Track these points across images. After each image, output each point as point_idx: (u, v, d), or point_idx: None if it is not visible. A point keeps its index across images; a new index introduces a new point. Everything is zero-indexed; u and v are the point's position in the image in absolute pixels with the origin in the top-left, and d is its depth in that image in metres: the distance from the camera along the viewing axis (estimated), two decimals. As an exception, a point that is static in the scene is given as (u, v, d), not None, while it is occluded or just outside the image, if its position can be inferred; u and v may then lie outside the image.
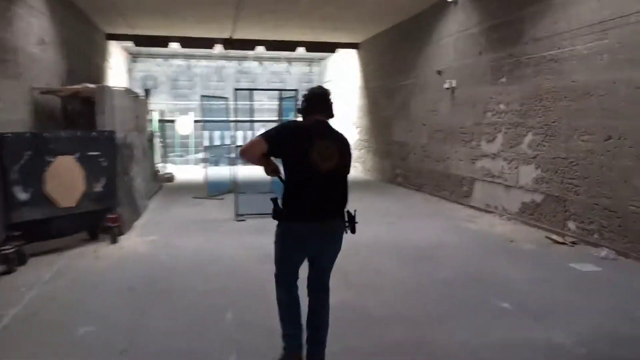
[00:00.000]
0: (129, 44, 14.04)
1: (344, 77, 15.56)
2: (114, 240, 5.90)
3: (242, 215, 7.44)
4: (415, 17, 10.16)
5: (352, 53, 14.45)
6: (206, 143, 11.04)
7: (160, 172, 12.30)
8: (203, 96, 9.72)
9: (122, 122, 7.95)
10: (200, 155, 16.55)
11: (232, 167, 10.42)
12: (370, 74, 13.18)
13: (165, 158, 12.50)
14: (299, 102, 2.97)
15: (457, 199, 8.59)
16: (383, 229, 6.58)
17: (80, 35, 9.96)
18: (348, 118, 14.68)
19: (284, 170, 2.75)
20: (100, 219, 5.92)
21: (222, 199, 9.38)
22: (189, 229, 6.74)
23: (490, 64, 7.58)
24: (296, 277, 2.86)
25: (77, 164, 5.61)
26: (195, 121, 16.44)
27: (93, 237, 6.06)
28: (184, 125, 15.67)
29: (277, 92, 11.72)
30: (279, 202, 2.77)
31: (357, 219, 2.80)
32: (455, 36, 8.65)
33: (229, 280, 4.47)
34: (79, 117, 8.17)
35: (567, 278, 4.51)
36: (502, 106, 7.31)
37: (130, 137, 8.19)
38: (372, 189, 10.78)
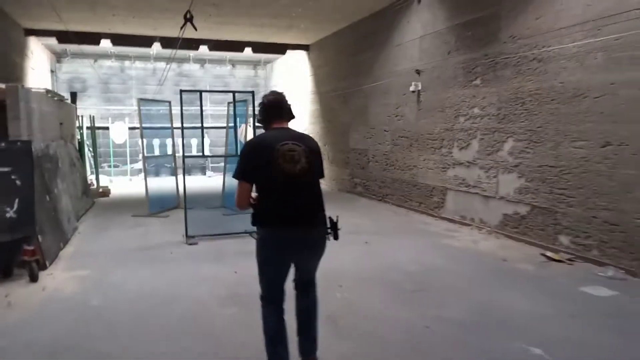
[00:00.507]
0: (53, 42, 12.46)
1: (292, 81, 14.76)
2: (32, 279, 4.71)
3: (193, 237, 6.41)
4: (373, 16, 9.56)
5: (302, 55, 13.71)
6: (145, 152, 9.82)
7: (93, 186, 10.89)
8: (141, 99, 8.55)
9: (42, 129, 6.69)
10: (138, 165, 15.11)
11: (174, 178, 9.32)
12: (322, 77, 12.47)
13: (97, 169, 11.07)
14: (257, 113, 2.96)
15: (427, 210, 8.01)
16: (360, 251, 5.81)
17: (-10, 28, 8.49)
18: (298, 124, 13.88)
19: (260, 179, 2.70)
20: (14, 252, 4.70)
21: (167, 216, 8.25)
22: (130, 258, 5.62)
23: (462, 65, 7.06)
24: (282, 294, 2.78)
25: (-19, 184, 4.41)
26: (131, 128, 15.00)
27: (6, 275, 4.82)
28: (119, 133, 14.19)
29: (225, 96, 10.64)
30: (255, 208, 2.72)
31: (339, 226, 2.75)
32: (419, 36, 8.10)
33: (187, 335, 3.48)
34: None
35: (586, 307, 3.93)
36: (476, 110, 6.80)
37: (53, 148, 6.92)
38: (333, 199, 10.01)
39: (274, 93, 2.95)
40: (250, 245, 6.39)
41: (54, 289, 4.50)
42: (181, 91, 6.50)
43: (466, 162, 7.04)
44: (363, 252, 5.78)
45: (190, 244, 6.21)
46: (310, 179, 2.71)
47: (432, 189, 7.88)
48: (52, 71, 15.04)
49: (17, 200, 4.66)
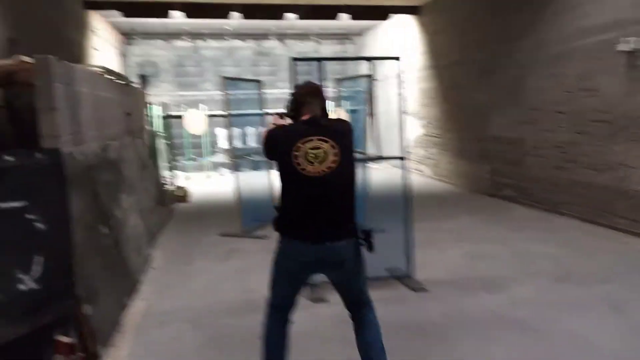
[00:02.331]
0: (119, 19, 10.70)
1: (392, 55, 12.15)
2: (70, 397, 2.65)
3: (316, 285, 4.13)
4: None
5: (408, 21, 11.08)
6: (228, 143, 7.79)
7: (170, 186, 9.03)
8: (227, 78, 6.39)
9: (98, 124, 4.66)
10: (216, 158, 13.27)
11: (268, 178, 7.12)
12: (441, 46, 9.79)
13: (172, 165, 9.20)
14: (287, 104, 2.57)
15: (653, 233, 5.26)
16: (624, 334, 3.27)
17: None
18: (397, 109, 11.36)
19: (280, 179, 2.38)
20: (39, 350, 2.64)
21: (266, 237, 6.05)
22: (230, 333, 3.44)
23: None
24: (290, 302, 2.49)
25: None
26: (208, 116, 13.15)
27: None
28: (195, 122, 12.35)
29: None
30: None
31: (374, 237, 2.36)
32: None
33: None
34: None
35: None
36: None
37: (115, 149, 4.91)
38: (469, 205, 7.48)
39: (309, 82, 2.61)
40: (419, 311, 3.79)
41: None
42: (293, 59, 4.22)
43: None
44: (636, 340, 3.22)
45: (316, 301, 3.94)
46: (339, 180, 2.31)
47: (666, 201, 5.10)
48: (122, 54, 13.48)
49: (39, 259, 2.56)
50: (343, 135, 2.38)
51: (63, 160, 2.73)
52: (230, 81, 6.96)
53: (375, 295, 4.03)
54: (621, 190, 5.64)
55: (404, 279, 4.35)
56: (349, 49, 15.64)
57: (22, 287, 2.48)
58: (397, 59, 4.41)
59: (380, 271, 4.50)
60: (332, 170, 2.28)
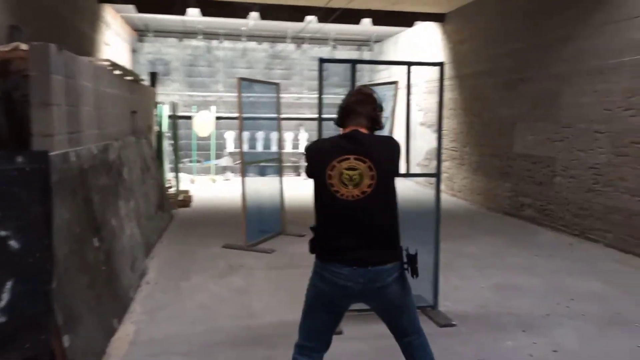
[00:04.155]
0: (132, 13, 10.37)
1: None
2: None
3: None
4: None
5: (431, 29, 10.66)
6: (244, 147, 7.32)
7: (172, 188, 8.63)
8: (243, 79, 5.98)
9: (99, 122, 4.27)
10: (223, 162, 12.88)
11: (279, 185, 6.68)
12: (466, 56, 9.34)
13: (178, 170, 8.82)
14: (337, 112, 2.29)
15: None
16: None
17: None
18: (420, 120, 10.94)
19: (314, 199, 2.18)
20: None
21: (272, 252, 5.62)
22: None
23: None
24: (322, 342, 2.18)
25: None
26: (217, 118, 12.78)
27: None
28: (204, 124, 11.98)
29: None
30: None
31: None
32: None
33: None
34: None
35: None
36: None
37: (115, 150, 4.50)
38: (487, 226, 7.01)
39: (361, 88, 2.40)
40: (448, 353, 3.29)
41: None
42: (321, 60, 3.81)
43: None
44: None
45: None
46: (375, 206, 2.08)
47: None
48: (133, 50, 13.16)
49: (10, 284, 2.13)
50: (384, 156, 2.13)
51: (49, 165, 2.31)
52: (245, 83, 6.56)
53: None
54: (665, 221, 5.16)
55: (428, 310, 3.90)
56: (365, 56, 15.21)
57: (-16, 318, 2.06)
58: (441, 64, 3.95)
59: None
60: (366, 195, 2.06)
